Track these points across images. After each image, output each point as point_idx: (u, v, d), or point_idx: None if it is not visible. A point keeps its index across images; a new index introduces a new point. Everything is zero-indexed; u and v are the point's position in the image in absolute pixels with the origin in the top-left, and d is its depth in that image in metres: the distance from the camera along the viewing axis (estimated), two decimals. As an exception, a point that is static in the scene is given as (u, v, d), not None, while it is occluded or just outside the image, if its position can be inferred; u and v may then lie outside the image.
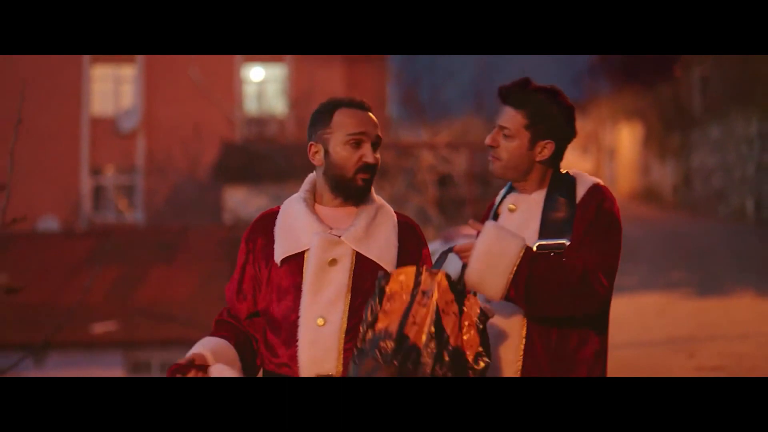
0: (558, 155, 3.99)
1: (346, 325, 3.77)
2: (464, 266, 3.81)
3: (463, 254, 3.82)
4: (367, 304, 3.63)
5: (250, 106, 35.11)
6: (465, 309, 3.67)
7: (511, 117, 3.93)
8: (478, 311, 3.67)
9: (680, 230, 24.21)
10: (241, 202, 30.54)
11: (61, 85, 32.71)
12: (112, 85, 34.83)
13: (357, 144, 3.82)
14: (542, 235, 3.89)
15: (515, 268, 3.75)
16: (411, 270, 3.68)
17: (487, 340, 3.68)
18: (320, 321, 3.75)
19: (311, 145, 3.89)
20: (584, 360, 3.96)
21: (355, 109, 3.87)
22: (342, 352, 3.76)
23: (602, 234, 3.88)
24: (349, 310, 3.77)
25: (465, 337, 3.63)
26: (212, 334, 3.93)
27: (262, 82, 35.13)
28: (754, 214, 25.29)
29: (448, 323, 3.60)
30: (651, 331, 11.53)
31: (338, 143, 3.82)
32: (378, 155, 3.87)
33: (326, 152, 3.85)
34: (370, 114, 3.90)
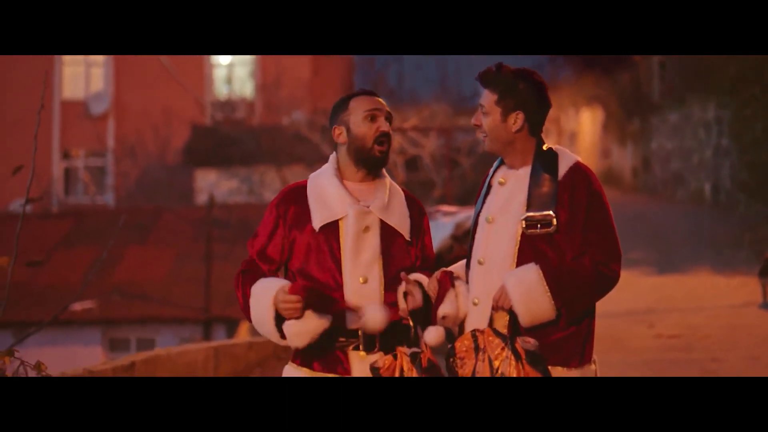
0: (534, 126, 4.51)
1: (383, 282, 4.46)
2: (510, 313, 4.36)
3: (501, 305, 4.37)
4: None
5: (220, 89, 35.35)
6: (518, 348, 4.28)
7: (486, 96, 4.50)
8: (524, 347, 4.29)
9: (640, 212, 24.56)
10: (212, 184, 30.86)
11: (32, 68, 32.76)
12: (83, 69, 35.04)
13: (373, 118, 4.53)
14: (529, 207, 4.40)
15: (547, 287, 4.31)
16: (468, 335, 4.35)
17: (542, 363, 4.28)
18: (362, 279, 4.43)
19: (335, 128, 4.58)
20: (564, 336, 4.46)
21: (367, 95, 4.62)
22: (383, 304, 4.41)
23: (599, 219, 4.43)
24: (384, 269, 4.46)
25: (526, 368, 4.26)
26: (251, 279, 4.48)
27: (231, 65, 35.36)
28: (711, 197, 25.43)
29: (507, 365, 4.26)
30: (613, 304, 12.18)
31: (357, 120, 4.52)
32: (390, 128, 4.59)
33: (348, 130, 4.55)
34: (379, 98, 4.63)
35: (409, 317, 4.43)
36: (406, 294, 4.45)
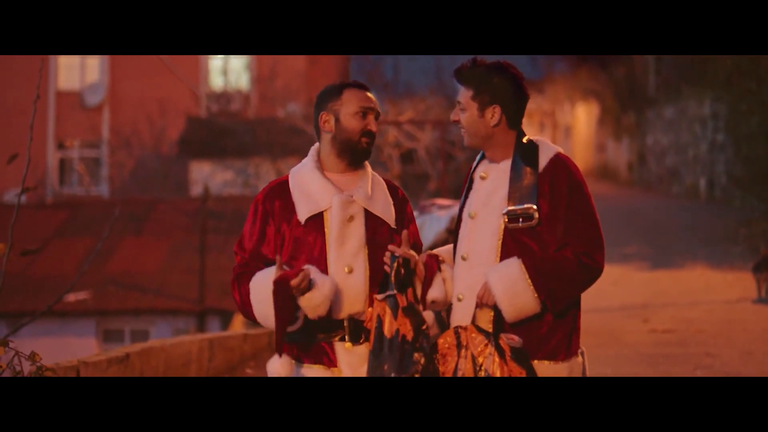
0: (512, 119, 4.50)
1: (369, 273, 4.46)
2: (494, 309, 4.35)
3: (485, 301, 4.37)
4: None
5: (215, 80, 35.28)
6: (502, 345, 4.29)
7: (462, 92, 4.53)
8: (509, 344, 4.30)
9: (635, 207, 24.62)
10: (207, 176, 30.84)
11: (28, 58, 32.60)
12: (78, 60, 34.96)
13: (364, 115, 4.55)
14: (510, 201, 4.41)
15: (530, 281, 4.31)
16: (451, 332, 4.37)
17: (526, 360, 4.28)
18: (347, 269, 4.44)
19: (322, 114, 4.58)
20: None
21: (360, 89, 4.62)
22: (368, 295, 4.44)
23: (580, 210, 4.42)
24: (369, 259, 4.47)
25: (510, 365, 4.27)
26: (248, 278, 4.47)
27: (226, 57, 35.24)
28: (706, 192, 25.52)
29: (490, 362, 4.27)
30: (607, 298, 12.21)
31: (348, 113, 4.54)
32: (376, 128, 4.62)
33: (337, 120, 4.56)
34: (371, 94, 4.64)
35: (390, 263, 4.41)
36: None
